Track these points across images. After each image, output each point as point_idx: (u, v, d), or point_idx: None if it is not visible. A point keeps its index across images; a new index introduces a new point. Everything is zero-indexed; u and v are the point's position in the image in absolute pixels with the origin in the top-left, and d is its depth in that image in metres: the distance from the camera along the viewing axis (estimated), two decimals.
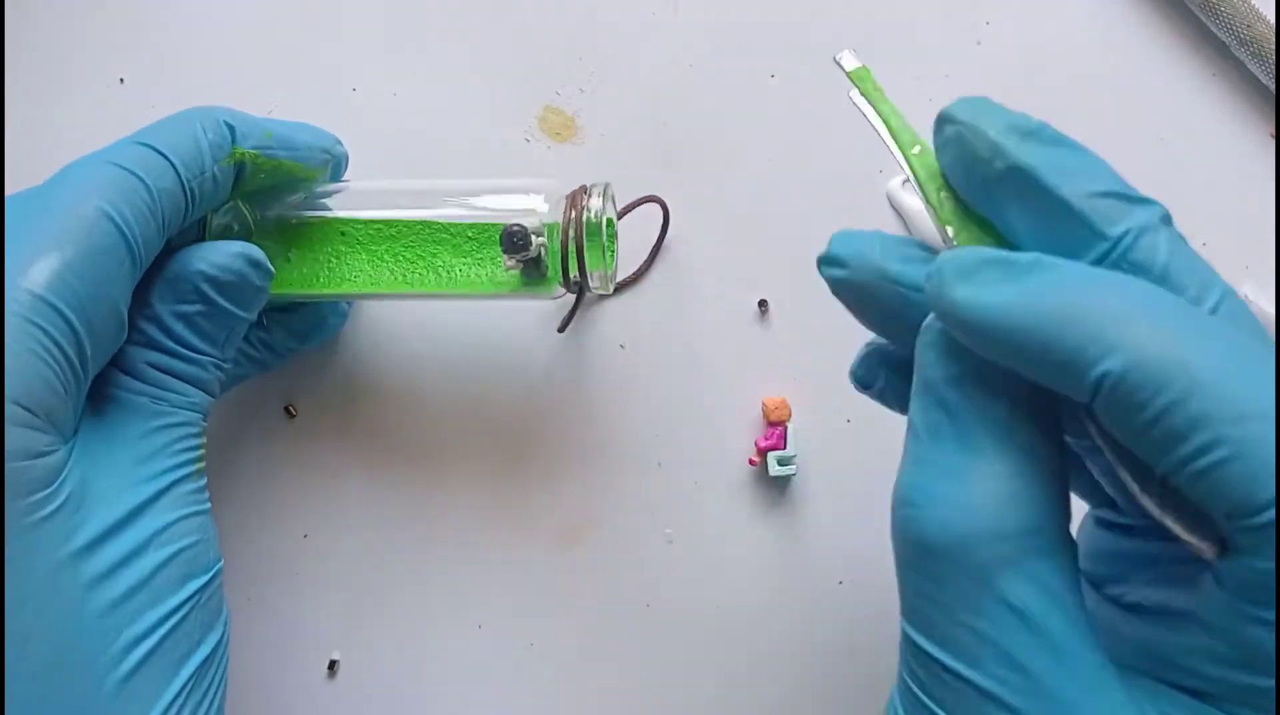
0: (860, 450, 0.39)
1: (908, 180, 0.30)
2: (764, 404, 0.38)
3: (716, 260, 0.39)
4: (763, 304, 0.39)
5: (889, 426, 0.39)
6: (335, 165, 0.36)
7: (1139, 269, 0.22)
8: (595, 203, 0.33)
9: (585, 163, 0.40)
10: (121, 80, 0.42)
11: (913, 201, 0.39)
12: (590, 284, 0.34)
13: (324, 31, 0.41)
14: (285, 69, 0.41)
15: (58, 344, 0.25)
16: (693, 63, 0.40)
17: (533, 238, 0.32)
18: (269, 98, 0.41)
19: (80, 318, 0.26)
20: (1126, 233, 0.22)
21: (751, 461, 0.38)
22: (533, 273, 0.33)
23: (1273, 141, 0.39)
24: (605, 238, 0.33)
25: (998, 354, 0.21)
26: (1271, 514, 0.18)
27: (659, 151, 0.40)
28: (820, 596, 0.39)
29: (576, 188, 0.33)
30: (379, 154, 0.40)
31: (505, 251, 0.32)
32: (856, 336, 0.39)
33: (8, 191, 0.42)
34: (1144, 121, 0.39)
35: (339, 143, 0.36)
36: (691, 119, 0.40)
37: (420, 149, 0.41)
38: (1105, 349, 0.19)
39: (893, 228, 0.39)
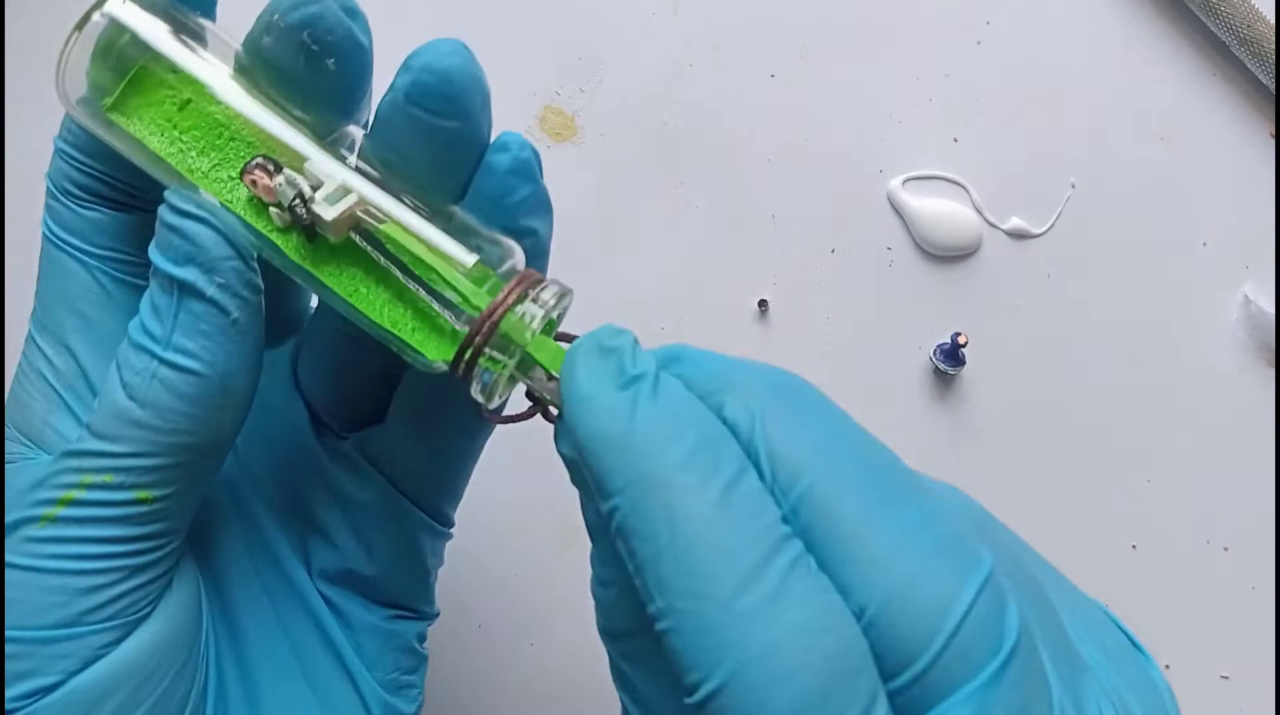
0: None
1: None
2: None
3: (716, 260, 0.39)
4: (762, 304, 0.39)
5: (890, 427, 0.39)
6: None
7: None
8: (545, 297, 0.23)
9: (585, 163, 0.40)
10: None
11: (914, 201, 0.39)
12: (472, 390, 0.23)
13: None
14: None
15: (30, 364, 0.25)
16: (693, 63, 0.40)
17: (281, 173, 0.23)
18: None
19: (41, 330, 0.26)
20: None
21: None
22: (294, 230, 0.23)
23: (1273, 141, 0.39)
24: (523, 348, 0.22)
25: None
26: (700, 697, 0.17)
27: (659, 151, 0.40)
28: None
29: (527, 274, 0.23)
30: None
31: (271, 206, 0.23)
32: (855, 336, 0.39)
33: (7, 192, 0.42)
34: (1145, 121, 0.39)
35: None
36: (691, 119, 0.40)
37: None
38: (611, 490, 0.19)
39: (893, 227, 0.39)
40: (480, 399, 0.23)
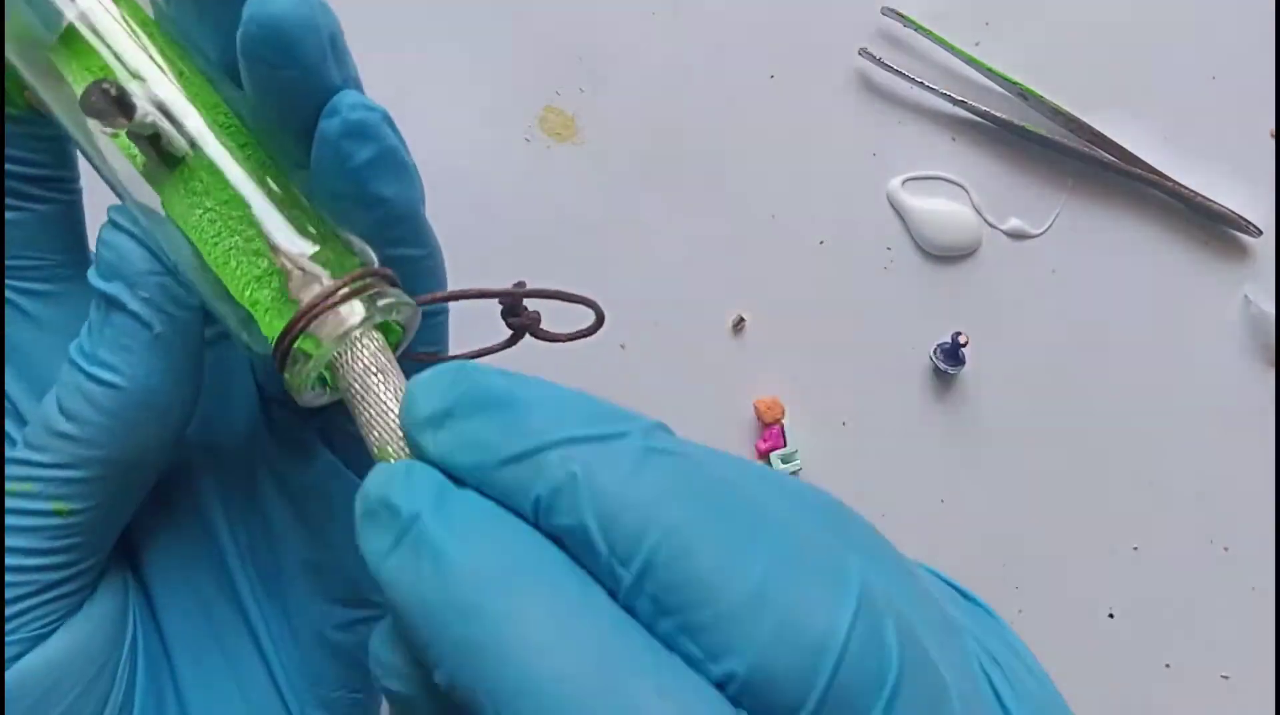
0: (857, 450, 0.39)
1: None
2: (756, 406, 0.38)
3: (716, 260, 0.39)
4: (739, 323, 0.39)
5: (886, 427, 0.39)
6: None
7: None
8: (351, 310, 0.21)
9: (585, 163, 0.40)
10: None
11: (914, 201, 0.39)
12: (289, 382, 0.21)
13: None
14: None
15: None
16: (693, 63, 0.40)
17: (140, 104, 0.21)
18: None
19: None
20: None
21: None
22: (149, 154, 0.22)
23: (1272, 140, 0.39)
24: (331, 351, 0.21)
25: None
26: None
27: (659, 152, 0.40)
28: None
29: (363, 273, 0.21)
30: None
31: (86, 111, 0.22)
32: (855, 336, 0.39)
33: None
34: (1145, 121, 0.39)
35: None
36: (691, 119, 0.40)
37: (420, 149, 0.40)
38: (436, 659, 0.16)
39: (893, 227, 0.39)
40: (293, 395, 0.21)
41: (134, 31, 0.22)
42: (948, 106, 0.39)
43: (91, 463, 0.23)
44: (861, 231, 0.39)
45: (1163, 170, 0.38)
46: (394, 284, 0.22)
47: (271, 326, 0.21)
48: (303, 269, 0.21)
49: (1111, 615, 0.38)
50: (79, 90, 0.21)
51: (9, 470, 0.23)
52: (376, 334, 0.21)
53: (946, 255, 0.39)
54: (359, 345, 0.20)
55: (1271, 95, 0.39)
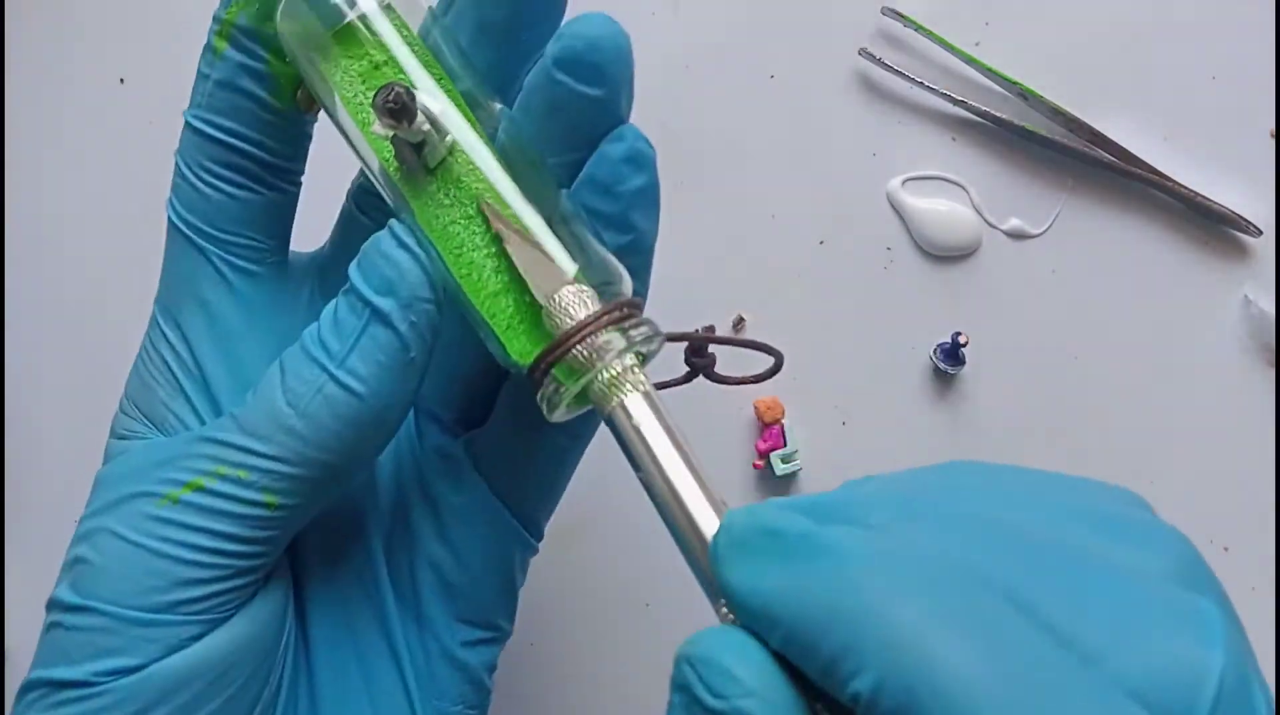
0: (857, 450, 0.39)
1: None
2: (756, 406, 0.38)
3: (716, 260, 0.39)
4: (739, 322, 0.39)
5: (886, 427, 0.39)
6: None
7: None
8: (635, 333, 0.22)
9: None
10: (121, 80, 0.42)
11: (914, 201, 0.39)
12: (538, 396, 0.23)
13: None
14: None
15: (153, 346, 0.26)
16: (693, 63, 0.40)
17: (419, 111, 0.22)
18: None
19: (164, 313, 0.26)
20: None
21: (756, 465, 0.38)
22: (409, 160, 0.23)
23: (1272, 140, 0.39)
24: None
25: (776, 644, 0.18)
26: None
27: (659, 151, 0.40)
28: None
29: (624, 302, 0.22)
30: None
31: (378, 111, 0.22)
32: (855, 336, 0.39)
33: (7, 192, 0.42)
34: (1145, 121, 0.39)
35: None
36: (691, 119, 0.40)
37: None
38: (857, 665, 0.16)
39: (893, 228, 0.39)
40: (543, 409, 0.22)
41: (409, 40, 0.23)
42: (948, 106, 0.39)
43: (313, 464, 0.23)
44: (861, 231, 0.39)
45: (1163, 170, 0.38)
46: (641, 311, 0.23)
47: (517, 345, 0.22)
48: (560, 290, 0.22)
49: None
50: (349, 91, 0.23)
51: (219, 452, 0.23)
52: (631, 361, 0.22)
53: (946, 255, 0.39)
54: (620, 379, 0.21)
55: (1271, 95, 0.39)
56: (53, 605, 0.24)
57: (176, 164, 0.25)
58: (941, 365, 0.38)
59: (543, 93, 0.24)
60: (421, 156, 0.23)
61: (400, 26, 0.23)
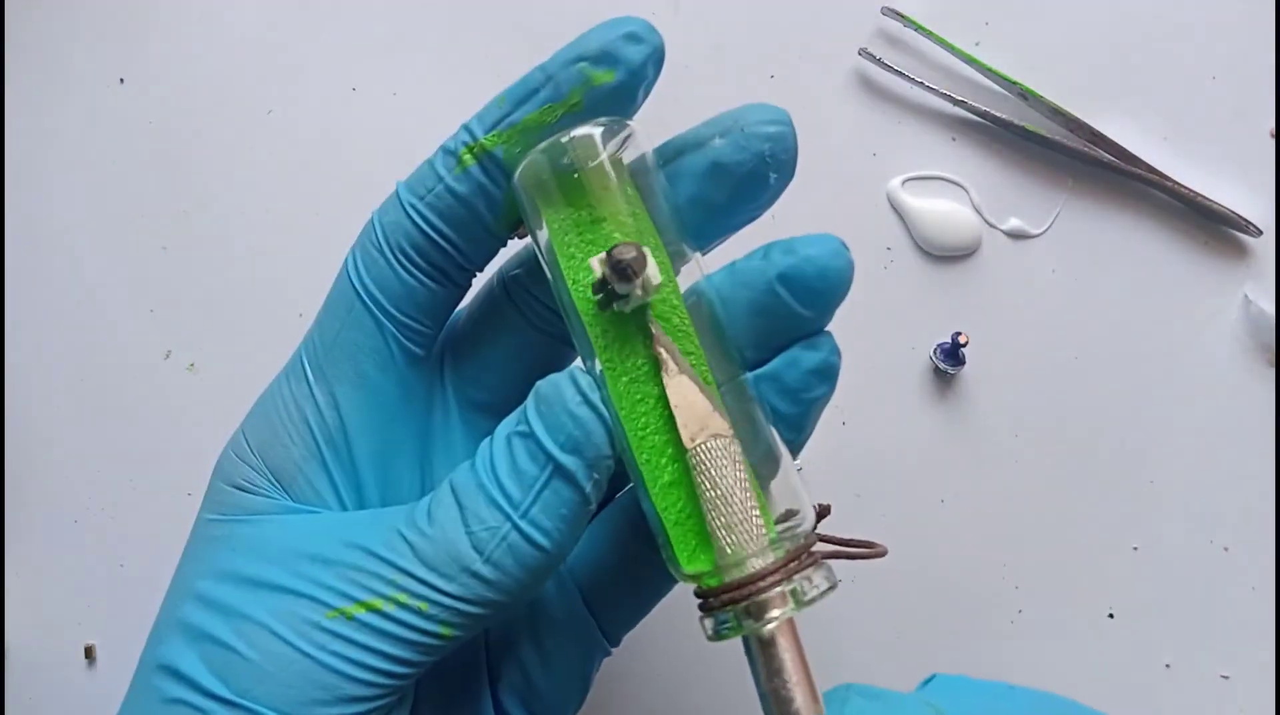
0: (857, 450, 0.39)
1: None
2: None
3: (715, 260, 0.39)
4: None
5: (886, 427, 0.39)
6: (630, 71, 0.25)
7: None
8: (815, 581, 0.23)
9: None
10: (121, 80, 0.42)
11: (914, 201, 0.39)
12: (704, 624, 0.23)
13: (324, 31, 0.41)
14: (285, 69, 0.41)
15: (296, 401, 0.26)
16: (692, 63, 0.40)
17: (646, 275, 0.23)
18: (269, 98, 0.41)
19: (316, 371, 0.26)
20: None
21: None
22: (607, 304, 0.23)
23: (1272, 140, 0.39)
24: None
25: None
26: None
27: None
28: None
29: (804, 549, 0.23)
30: (379, 154, 0.40)
31: (612, 274, 0.22)
32: (855, 336, 0.39)
33: (7, 192, 0.42)
34: (1145, 121, 0.39)
35: (628, 34, 0.25)
36: (691, 119, 0.40)
37: (421, 149, 0.40)
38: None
39: (893, 228, 0.39)
40: (706, 635, 0.23)
41: (632, 200, 0.24)
42: (948, 106, 0.39)
43: (491, 604, 0.23)
44: (861, 231, 0.39)
45: (1163, 170, 0.38)
46: (815, 555, 0.23)
47: (687, 545, 0.23)
48: (739, 520, 0.22)
49: (1111, 615, 0.38)
50: (564, 239, 0.24)
51: (399, 579, 0.23)
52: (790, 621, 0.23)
53: (946, 255, 0.39)
54: (777, 637, 0.22)
55: (1271, 95, 0.39)
56: (176, 677, 0.24)
57: (373, 231, 0.26)
58: (941, 365, 0.38)
59: (754, 293, 0.24)
60: (617, 302, 0.23)
61: (625, 184, 0.24)
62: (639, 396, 0.23)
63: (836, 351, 0.25)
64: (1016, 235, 0.39)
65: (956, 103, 0.39)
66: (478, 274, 0.27)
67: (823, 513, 0.25)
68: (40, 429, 0.42)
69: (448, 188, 0.25)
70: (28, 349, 0.42)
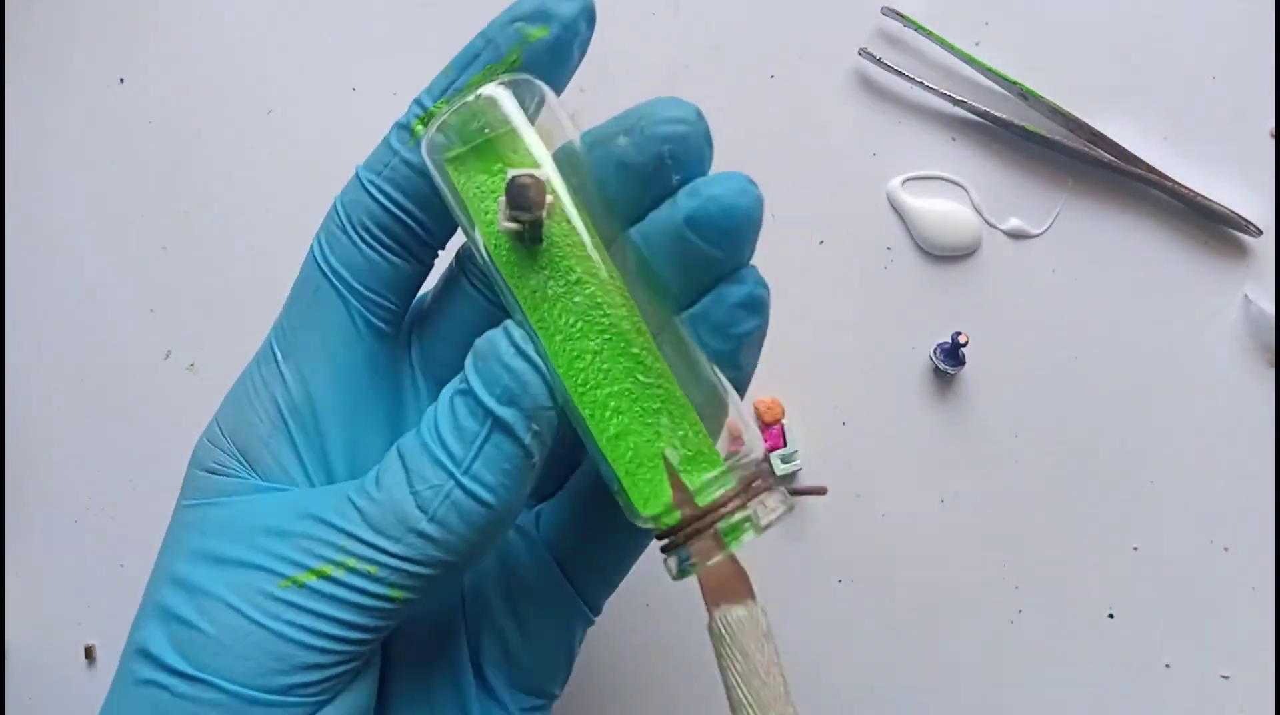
0: (857, 450, 0.39)
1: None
2: (756, 406, 0.38)
3: None
4: None
5: (886, 427, 0.39)
6: (563, 25, 0.25)
7: None
8: (770, 505, 0.23)
9: None
10: (121, 80, 0.42)
11: (914, 201, 0.39)
12: (666, 562, 0.24)
13: (324, 31, 0.41)
14: (285, 69, 0.41)
15: (265, 382, 0.26)
16: (693, 63, 0.40)
17: (545, 198, 0.23)
18: (269, 98, 0.41)
19: (284, 352, 0.26)
20: None
21: None
22: (523, 239, 0.23)
23: (1272, 140, 0.39)
24: None
25: None
26: None
27: None
28: (820, 596, 0.39)
29: (757, 476, 0.24)
30: None
31: (510, 204, 0.23)
32: (855, 336, 0.39)
33: (7, 192, 0.42)
34: (1145, 121, 0.39)
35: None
36: None
37: None
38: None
39: (893, 227, 0.39)
40: (671, 575, 0.23)
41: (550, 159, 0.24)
42: (948, 106, 0.39)
43: (440, 564, 0.23)
44: (861, 231, 0.39)
45: (1163, 170, 0.38)
46: (767, 479, 0.24)
47: (641, 491, 0.23)
48: (689, 449, 0.23)
49: (1111, 615, 0.38)
50: (481, 205, 0.24)
51: (347, 544, 0.23)
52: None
53: (946, 255, 0.39)
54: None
55: (1271, 95, 0.39)
56: (148, 660, 0.24)
57: (335, 212, 0.26)
58: (941, 365, 0.38)
59: (668, 239, 0.24)
60: (533, 235, 0.23)
61: (536, 142, 0.24)
62: (575, 353, 0.23)
63: (761, 284, 0.25)
64: (1016, 235, 0.39)
65: (956, 103, 0.39)
66: (441, 252, 0.27)
67: (819, 491, 0.26)
68: (40, 429, 0.42)
69: (403, 160, 0.25)
70: (28, 349, 0.42)
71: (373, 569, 0.23)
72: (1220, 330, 0.39)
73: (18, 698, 0.41)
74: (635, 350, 0.23)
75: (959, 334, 0.37)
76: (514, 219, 0.22)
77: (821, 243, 0.39)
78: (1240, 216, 0.38)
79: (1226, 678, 0.38)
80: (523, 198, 0.22)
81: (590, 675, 0.39)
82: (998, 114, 0.39)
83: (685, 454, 0.23)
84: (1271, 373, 0.39)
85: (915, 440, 0.39)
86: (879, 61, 0.39)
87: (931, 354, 0.39)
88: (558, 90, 0.25)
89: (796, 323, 0.39)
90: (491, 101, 0.24)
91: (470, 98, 0.24)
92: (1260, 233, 0.38)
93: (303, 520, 0.24)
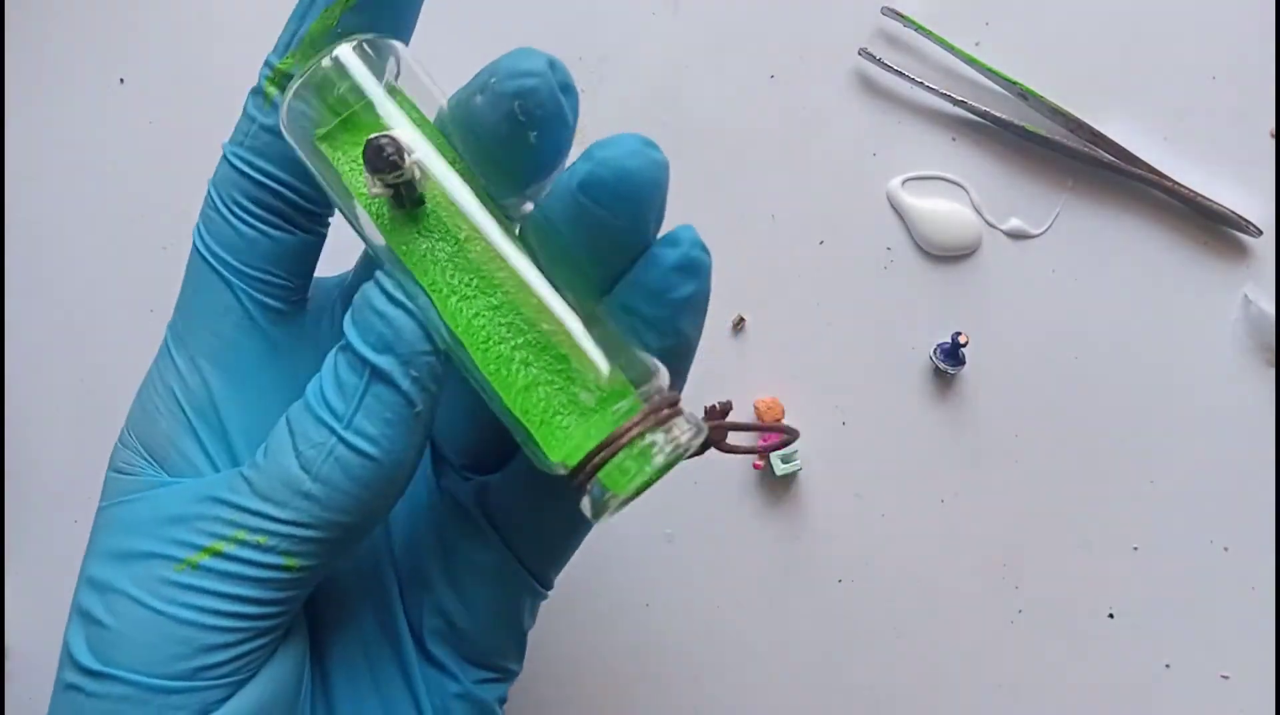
0: (857, 450, 0.39)
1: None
2: (756, 406, 0.38)
3: (714, 260, 0.39)
4: (738, 322, 0.39)
5: (886, 427, 0.39)
6: None
7: None
8: (678, 431, 0.22)
9: None
10: (121, 80, 0.42)
11: (914, 201, 0.39)
12: (582, 503, 0.23)
13: None
14: None
15: (163, 377, 0.25)
16: (693, 63, 0.40)
17: (405, 156, 0.22)
18: None
19: (178, 344, 0.25)
20: None
21: (756, 465, 0.38)
22: (401, 203, 0.23)
23: (1272, 140, 0.39)
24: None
25: None
26: None
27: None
28: (820, 596, 0.39)
29: (665, 400, 0.22)
30: None
31: (369, 169, 0.22)
32: (855, 336, 0.39)
33: (7, 192, 0.42)
34: (1145, 121, 0.39)
35: None
36: (691, 119, 0.40)
37: None
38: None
39: (893, 227, 0.39)
40: (588, 515, 0.22)
41: (419, 122, 0.23)
42: (948, 106, 0.39)
43: (332, 526, 0.23)
44: (861, 231, 0.39)
45: (1163, 170, 0.38)
46: (679, 406, 0.22)
47: (554, 442, 0.22)
48: (601, 388, 0.22)
49: (1111, 615, 0.38)
50: (354, 177, 0.23)
51: (236, 516, 0.23)
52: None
53: (946, 255, 0.39)
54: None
55: (1271, 95, 0.39)
56: (69, 664, 0.23)
57: (209, 195, 0.25)
58: (941, 365, 0.38)
59: (567, 208, 0.23)
60: (410, 196, 0.22)
61: (411, 109, 0.23)
62: (474, 312, 0.22)
63: (698, 245, 0.23)
64: (1016, 235, 0.39)
65: (956, 103, 0.39)
66: (328, 217, 0.26)
67: (725, 410, 0.24)
68: (40, 429, 0.42)
69: (262, 126, 0.24)
70: (28, 349, 0.42)
71: (262, 539, 0.22)
72: (1220, 330, 0.39)
73: (18, 698, 0.41)
74: (535, 299, 0.22)
75: (959, 334, 0.37)
76: (381, 182, 0.22)
77: (821, 243, 0.39)
78: (1240, 216, 0.38)
79: (1226, 678, 0.38)
80: (379, 158, 0.21)
81: (590, 675, 0.39)
82: (998, 114, 0.39)
83: (600, 395, 0.22)
84: (1271, 373, 0.39)
85: (915, 440, 0.39)
86: (879, 61, 0.39)
87: (931, 354, 0.39)
88: (405, 36, 0.25)
89: (796, 323, 0.39)
90: (339, 64, 0.23)
91: (321, 62, 0.23)
92: (1260, 233, 0.38)
93: (200, 503, 0.23)
